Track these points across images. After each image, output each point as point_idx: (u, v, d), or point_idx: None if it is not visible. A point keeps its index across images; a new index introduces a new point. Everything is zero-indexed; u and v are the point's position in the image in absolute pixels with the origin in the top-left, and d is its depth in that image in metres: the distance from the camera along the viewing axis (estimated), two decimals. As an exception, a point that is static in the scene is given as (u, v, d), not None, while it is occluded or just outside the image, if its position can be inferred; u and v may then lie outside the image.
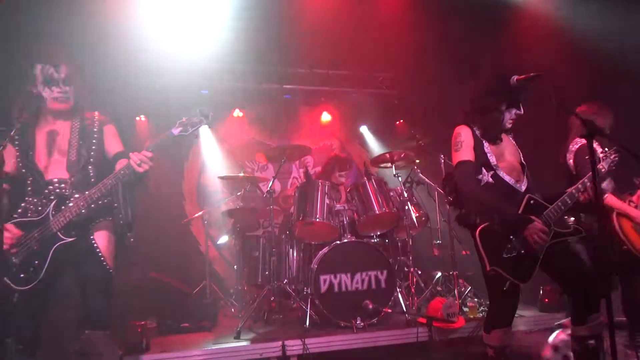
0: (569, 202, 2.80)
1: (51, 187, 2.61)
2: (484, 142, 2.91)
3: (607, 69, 4.51)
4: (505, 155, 2.93)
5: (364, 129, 7.59)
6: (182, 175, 6.88)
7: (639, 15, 4.40)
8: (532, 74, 2.69)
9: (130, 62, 5.93)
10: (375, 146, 7.48)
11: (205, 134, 6.98)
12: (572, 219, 4.68)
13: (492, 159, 2.87)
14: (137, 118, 6.48)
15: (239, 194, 5.83)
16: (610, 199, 3.42)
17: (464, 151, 2.88)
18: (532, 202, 2.82)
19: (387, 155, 4.89)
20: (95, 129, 2.77)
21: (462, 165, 2.87)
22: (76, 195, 2.57)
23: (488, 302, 3.14)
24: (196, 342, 3.86)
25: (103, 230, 2.66)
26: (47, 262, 2.50)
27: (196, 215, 5.91)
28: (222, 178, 6.75)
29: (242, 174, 5.59)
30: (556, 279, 2.92)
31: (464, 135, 2.92)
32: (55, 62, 2.69)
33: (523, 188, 2.89)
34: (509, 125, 2.98)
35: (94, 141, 2.75)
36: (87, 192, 2.54)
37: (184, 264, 5.94)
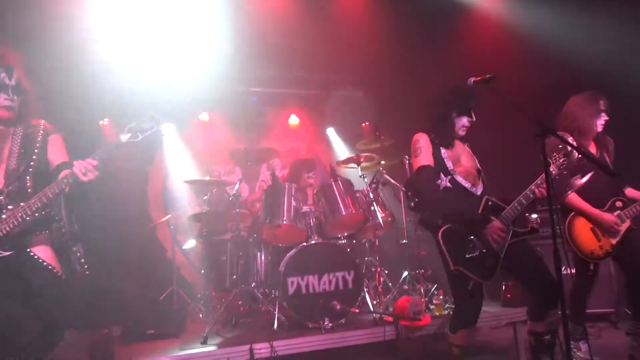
0: (525, 202, 2.90)
1: None
2: (440, 148, 3.03)
3: (560, 71, 4.68)
4: (462, 161, 3.05)
5: (330, 131, 7.64)
6: (147, 179, 6.76)
7: (591, 18, 4.58)
8: (487, 76, 2.78)
9: (95, 66, 5.82)
10: (341, 148, 7.54)
11: (171, 136, 6.90)
12: (534, 216, 4.85)
13: (449, 164, 2.99)
14: (101, 122, 6.36)
15: (205, 198, 5.78)
16: (572, 197, 3.45)
17: (423, 156, 3.00)
18: (490, 203, 2.94)
19: (354, 157, 4.94)
20: (39, 138, 2.65)
21: (422, 170, 2.99)
22: (9, 207, 2.43)
23: (453, 302, 3.21)
24: (162, 348, 3.79)
25: (41, 245, 2.52)
26: None
27: (162, 220, 5.83)
28: (188, 182, 6.69)
29: (208, 178, 5.55)
30: (516, 277, 3.04)
31: (422, 142, 3.04)
32: (8, 67, 2.58)
33: (479, 192, 3.01)
34: (462, 133, 3.11)
35: (36, 150, 2.62)
36: (26, 202, 2.40)
37: (150, 270, 5.84)
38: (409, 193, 3.22)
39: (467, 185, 2.97)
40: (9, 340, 3.47)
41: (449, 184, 2.95)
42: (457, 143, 3.13)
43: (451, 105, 3.06)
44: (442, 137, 3.06)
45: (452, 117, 3.07)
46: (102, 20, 5.01)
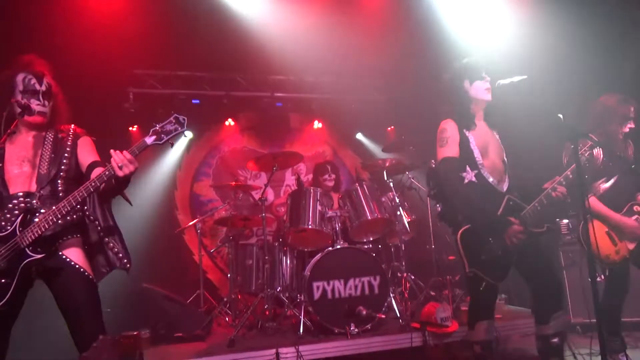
0: (545, 202, 2.83)
1: (16, 201, 2.46)
2: (468, 136, 2.91)
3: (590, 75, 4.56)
4: (489, 152, 2.94)
5: (353, 136, 7.63)
6: (175, 184, 6.87)
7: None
8: (515, 78, 2.73)
9: (121, 73, 5.96)
10: (366, 152, 7.51)
11: (197, 141, 7.01)
12: (565, 221, 4.73)
13: (477, 156, 2.88)
14: (130, 128, 6.51)
15: (231, 202, 5.83)
16: (592, 200, 3.31)
17: (449, 147, 2.89)
18: (511, 202, 2.86)
19: (379, 162, 4.92)
20: (69, 142, 2.65)
21: (447, 162, 2.89)
22: (42, 210, 2.44)
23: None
24: (190, 351, 3.84)
25: (72, 248, 2.51)
26: (15, 280, 2.37)
27: (189, 224, 5.91)
28: (214, 187, 6.77)
29: (234, 183, 5.60)
30: (526, 277, 2.97)
31: (450, 131, 2.92)
32: (37, 73, 2.60)
33: (504, 188, 2.93)
34: (487, 97, 2.93)
35: (66, 154, 2.61)
36: (56, 206, 2.39)
37: (177, 274, 5.93)
38: (430, 183, 3.15)
39: (494, 182, 2.88)
40: (41, 342, 3.56)
41: (474, 179, 2.86)
42: (485, 129, 3.00)
43: (461, 73, 2.98)
44: (463, 115, 2.94)
45: (466, 87, 2.97)
46: (124, 26, 5.10)
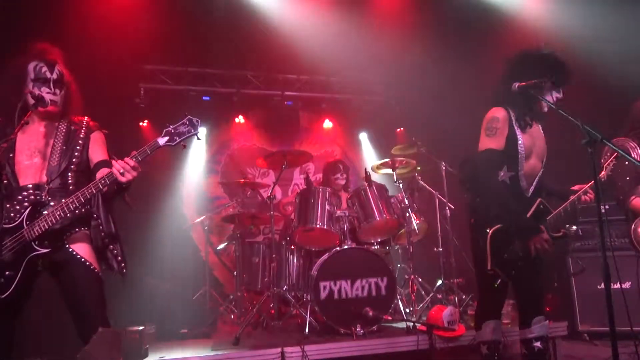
0: (570, 209, 2.80)
1: (25, 192, 2.45)
2: (518, 135, 2.76)
3: (602, 75, 4.51)
4: (533, 154, 2.84)
5: (363, 136, 7.60)
6: (183, 181, 6.87)
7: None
8: (535, 81, 2.69)
9: (132, 68, 5.97)
10: (376, 153, 7.48)
11: (206, 138, 7.01)
12: (574, 227, 4.67)
13: (521, 159, 2.76)
14: (141, 123, 6.52)
15: (239, 199, 5.82)
16: (637, 201, 3.27)
17: (497, 139, 2.73)
18: (541, 206, 2.82)
19: (389, 162, 4.89)
20: (82, 135, 2.62)
21: (489, 153, 2.75)
22: (52, 204, 2.42)
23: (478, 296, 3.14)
24: (195, 348, 3.84)
25: (80, 242, 2.50)
26: (20, 273, 2.36)
27: (196, 220, 5.91)
28: (222, 184, 6.77)
29: (243, 180, 5.60)
30: (514, 279, 2.92)
31: (502, 122, 2.74)
32: (49, 61, 2.57)
33: (530, 193, 2.86)
34: (546, 109, 2.81)
35: (78, 147, 2.58)
36: (63, 201, 2.38)
37: (184, 270, 5.92)
38: (463, 172, 3.07)
39: (524, 187, 2.82)
40: (45, 336, 3.57)
41: (507, 180, 2.77)
42: (535, 127, 2.87)
43: (546, 72, 2.72)
44: (524, 113, 2.76)
45: (543, 88, 2.75)
46: (137, 21, 5.12)
